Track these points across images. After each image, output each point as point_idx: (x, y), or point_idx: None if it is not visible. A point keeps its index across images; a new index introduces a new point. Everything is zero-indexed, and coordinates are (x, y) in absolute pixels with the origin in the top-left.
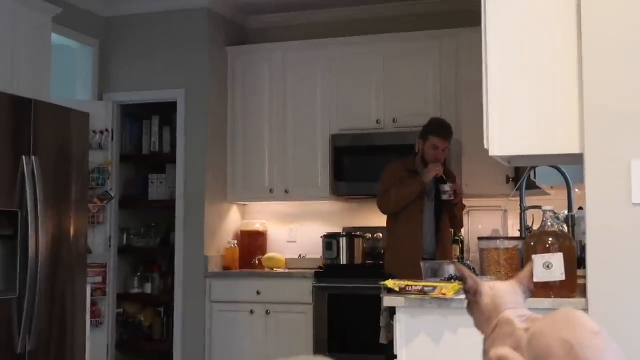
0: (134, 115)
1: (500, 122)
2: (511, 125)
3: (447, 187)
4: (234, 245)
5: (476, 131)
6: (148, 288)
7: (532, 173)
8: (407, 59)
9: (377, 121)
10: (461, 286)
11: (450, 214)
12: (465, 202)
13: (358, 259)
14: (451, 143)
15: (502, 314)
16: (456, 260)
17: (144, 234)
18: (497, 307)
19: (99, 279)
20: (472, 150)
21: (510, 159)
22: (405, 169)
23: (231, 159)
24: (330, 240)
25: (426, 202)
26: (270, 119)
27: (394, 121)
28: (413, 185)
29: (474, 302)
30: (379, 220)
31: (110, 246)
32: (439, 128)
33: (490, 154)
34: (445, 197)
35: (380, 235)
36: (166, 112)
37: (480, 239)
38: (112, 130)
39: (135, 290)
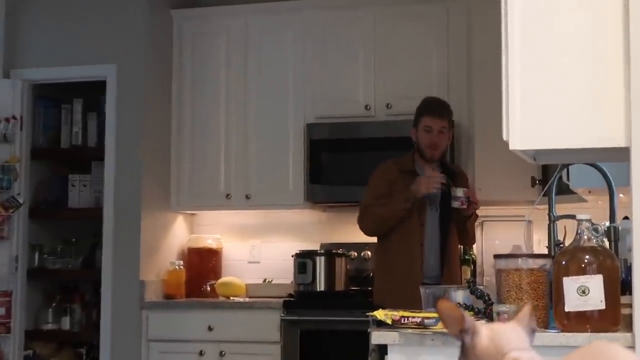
0: (49, 99)
1: (524, 107)
2: (537, 112)
3: (459, 192)
4: (178, 266)
5: (493, 119)
6: (66, 323)
7: (564, 173)
8: (405, 27)
9: (366, 107)
10: (464, 321)
11: (459, 227)
12: (479, 210)
13: (339, 285)
14: (453, 126)
15: (507, 356)
16: (467, 285)
17: (61, 252)
18: (499, 349)
19: (1, 311)
20: (487, 143)
21: (536, 154)
22: (398, 169)
23: (176, 155)
24: (303, 261)
25: (428, 212)
26: (227, 103)
27: (387, 107)
28: (397, 202)
29: (470, 347)
30: None
31: (16, 269)
32: (429, 104)
33: (511, 147)
34: (456, 205)
35: (369, 253)
36: (92, 94)
37: (497, 257)
38: (21, 118)
39: (49, 326)
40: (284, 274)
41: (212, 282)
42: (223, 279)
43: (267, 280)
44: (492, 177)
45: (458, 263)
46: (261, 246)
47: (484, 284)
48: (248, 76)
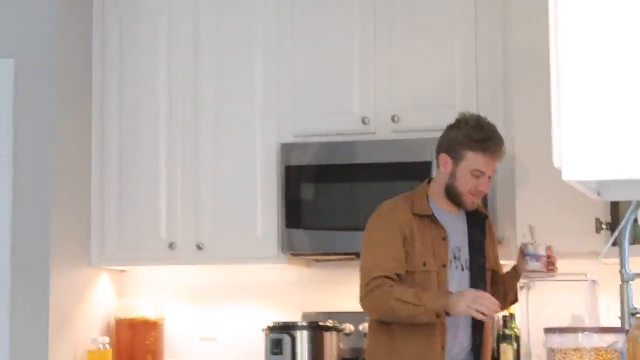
0: None
1: (582, 122)
2: (602, 129)
3: (541, 249)
4: (103, 345)
5: (539, 138)
6: None
7: None
8: (418, 13)
9: (364, 120)
10: None
11: (502, 288)
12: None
13: None
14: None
15: None
16: None
17: None
18: None
19: None
20: (533, 172)
21: (600, 186)
22: (414, 212)
23: (99, 186)
24: (278, 337)
25: (452, 272)
26: (169, 115)
27: (393, 120)
28: (421, 300)
29: None
30: None
31: None
32: (486, 139)
33: (565, 177)
34: (534, 266)
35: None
36: None
37: (549, 331)
38: None
39: None
40: (250, 357)
41: None
42: None
43: None
44: (541, 220)
45: (491, 342)
46: (219, 316)
47: None
48: (200, 77)
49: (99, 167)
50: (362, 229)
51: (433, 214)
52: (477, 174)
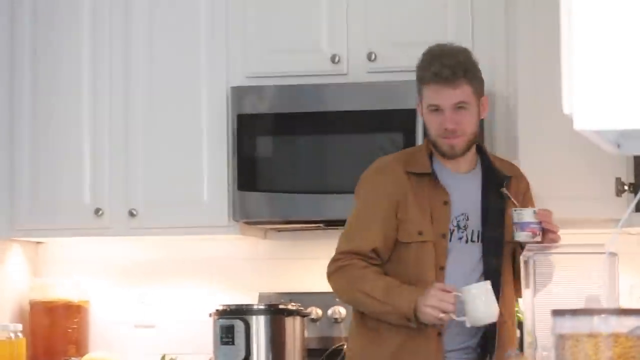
0: None
1: (598, 61)
2: (621, 68)
3: (527, 216)
4: (15, 334)
5: (546, 82)
6: None
7: None
8: None
9: (334, 58)
10: None
11: (513, 264)
12: None
13: None
14: (482, 92)
15: None
16: None
17: None
18: None
19: None
20: (540, 122)
21: (620, 137)
22: (409, 171)
23: (6, 138)
24: (229, 323)
25: (456, 244)
26: (94, 51)
27: (369, 58)
28: (393, 299)
29: None
30: None
31: None
32: (432, 61)
33: (577, 126)
34: (523, 237)
35: (342, 311)
36: None
37: (557, 314)
38: None
39: None
40: (196, 346)
41: None
42: (91, 356)
43: (167, 358)
44: (549, 180)
45: (514, 322)
46: (158, 299)
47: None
48: (129, 4)
49: (7, 114)
50: (330, 191)
51: (433, 173)
52: (432, 108)
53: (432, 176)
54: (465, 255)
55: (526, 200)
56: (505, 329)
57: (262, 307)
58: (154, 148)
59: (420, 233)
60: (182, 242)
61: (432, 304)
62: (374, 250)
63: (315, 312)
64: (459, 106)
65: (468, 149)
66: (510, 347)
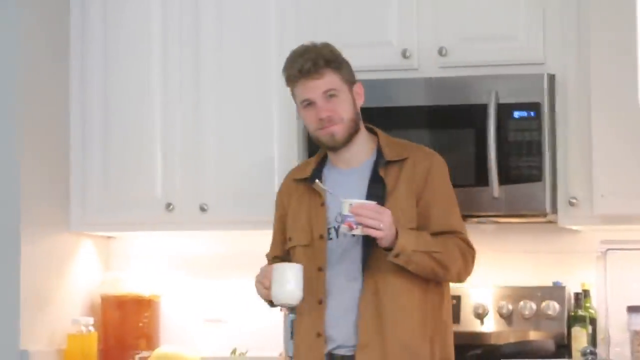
0: None
1: None
2: None
3: (345, 208)
4: (87, 327)
5: (619, 75)
6: None
7: None
8: None
9: (404, 53)
10: None
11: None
12: (604, 230)
13: None
14: (352, 79)
15: None
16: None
17: None
18: None
19: None
20: (611, 113)
21: None
22: (296, 179)
23: (79, 133)
24: None
25: (340, 239)
26: (165, 42)
27: (440, 53)
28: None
29: None
30: None
31: None
32: (291, 61)
33: None
34: (344, 230)
35: None
36: None
37: (632, 310)
38: None
39: None
40: (267, 341)
41: (144, 354)
42: (162, 350)
43: (237, 352)
44: (622, 174)
45: (418, 326)
46: (227, 293)
47: (612, 357)
48: (202, 4)
49: (79, 110)
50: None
51: (309, 178)
52: (305, 104)
53: (309, 181)
54: (347, 252)
55: (428, 184)
56: (365, 354)
57: None
58: (225, 142)
59: (290, 239)
60: (252, 237)
61: (257, 279)
62: (277, 257)
63: None
64: (330, 94)
65: (350, 137)
66: None
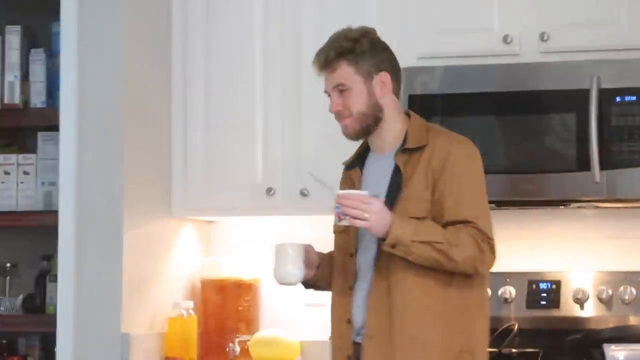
0: None
1: None
2: None
3: (335, 199)
4: (187, 311)
5: None
6: None
7: None
8: None
9: (505, 38)
10: None
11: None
12: None
13: None
14: (373, 71)
15: None
16: None
17: None
18: None
19: None
20: None
21: None
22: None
23: (181, 123)
24: None
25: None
26: (266, 29)
27: (542, 38)
28: None
29: None
30: None
31: None
32: (320, 50)
33: None
34: (335, 221)
35: (512, 289)
36: (35, 19)
37: None
38: None
39: None
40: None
41: (244, 337)
42: (262, 335)
43: None
44: None
45: (431, 317)
46: None
47: None
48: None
49: (181, 96)
50: (501, 171)
51: (349, 166)
52: (327, 94)
53: (347, 168)
54: (371, 241)
55: (444, 173)
56: (371, 346)
57: None
58: (326, 127)
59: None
60: None
61: None
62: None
63: None
64: (340, 89)
65: (365, 129)
66: None
